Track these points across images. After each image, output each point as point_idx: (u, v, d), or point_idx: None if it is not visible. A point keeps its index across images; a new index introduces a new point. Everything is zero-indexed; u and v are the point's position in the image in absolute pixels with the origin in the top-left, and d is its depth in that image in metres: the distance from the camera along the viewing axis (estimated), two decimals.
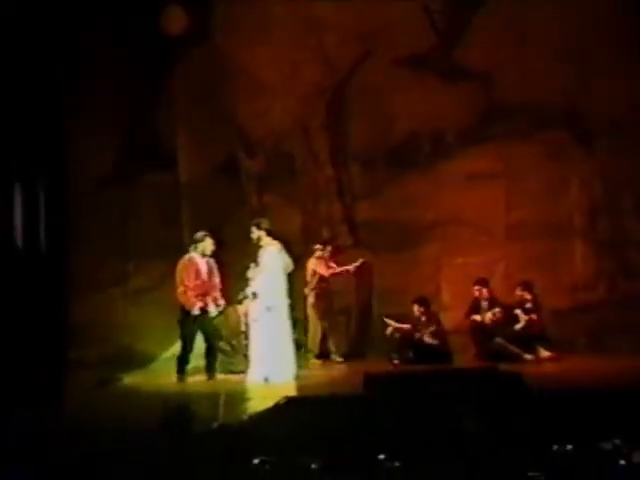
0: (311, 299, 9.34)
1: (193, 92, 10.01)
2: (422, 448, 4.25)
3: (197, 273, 8.15)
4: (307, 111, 10.07)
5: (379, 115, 9.87)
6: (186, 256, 8.23)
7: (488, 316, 8.95)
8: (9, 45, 8.17)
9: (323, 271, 9.31)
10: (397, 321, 9.01)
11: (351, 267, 9.43)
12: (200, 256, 8.20)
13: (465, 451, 4.18)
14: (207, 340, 8.24)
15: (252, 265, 8.23)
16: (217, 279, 8.24)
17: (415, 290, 9.35)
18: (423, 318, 8.91)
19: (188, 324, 8.16)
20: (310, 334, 9.37)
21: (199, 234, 8.24)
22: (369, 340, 9.66)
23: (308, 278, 9.36)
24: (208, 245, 8.21)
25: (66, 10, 9.08)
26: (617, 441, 4.22)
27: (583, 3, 9.42)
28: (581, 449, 4.24)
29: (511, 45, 9.51)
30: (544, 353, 8.69)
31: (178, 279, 8.17)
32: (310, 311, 9.37)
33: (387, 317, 9.02)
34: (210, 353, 8.24)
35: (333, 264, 9.46)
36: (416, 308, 8.94)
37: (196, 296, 8.10)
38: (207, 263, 8.20)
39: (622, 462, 4.17)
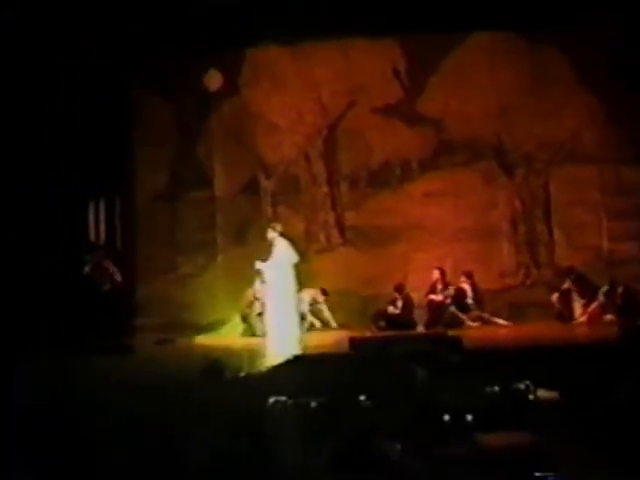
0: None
1: (225, 130, 10.18)
2: (389, 391, 4.38)
3: None
4: (309, 145, 10.22)
5: (361, 148, 10.04)
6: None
7: (440, 296, 9.10)
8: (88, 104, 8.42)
9: None
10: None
11: None
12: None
13: (418, 394, 4.29)
14: None
15: (268, 259, 8.37)
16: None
17: (389, 277, 9.50)
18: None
19: None
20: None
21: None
22: (353, 313, 9.78)
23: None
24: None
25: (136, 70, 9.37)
26: (527, 382, 4.34)
27: (509, 73, 9.68)
28: (504, 389, 4.34)
29: (456, 99, 9.74)
30: (499, 321, 8.89)
31: None
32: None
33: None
34: None
35: None
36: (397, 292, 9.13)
37: None
38: None
39: (531, 397, 4.20)
